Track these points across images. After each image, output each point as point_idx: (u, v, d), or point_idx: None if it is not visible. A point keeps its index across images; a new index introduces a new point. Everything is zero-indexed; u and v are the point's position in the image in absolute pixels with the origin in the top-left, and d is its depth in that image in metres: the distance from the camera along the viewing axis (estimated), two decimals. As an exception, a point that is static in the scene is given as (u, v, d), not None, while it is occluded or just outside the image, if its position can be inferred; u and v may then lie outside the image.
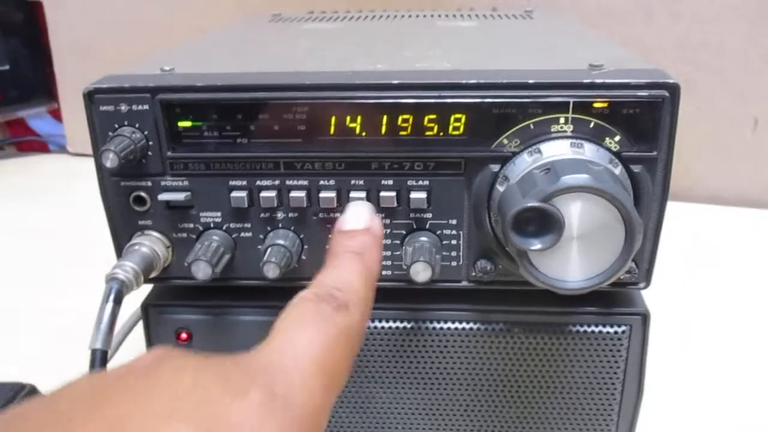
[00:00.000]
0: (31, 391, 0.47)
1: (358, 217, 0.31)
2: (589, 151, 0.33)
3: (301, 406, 0.22)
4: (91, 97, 0.35)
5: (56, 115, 1.14)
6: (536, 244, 0.31)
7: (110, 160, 0.33)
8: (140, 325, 0.42)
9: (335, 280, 0.27)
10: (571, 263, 0.32)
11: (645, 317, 0.38)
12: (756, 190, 0.84)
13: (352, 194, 0.36)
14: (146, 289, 0.41)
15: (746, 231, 0.79)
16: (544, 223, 0.31)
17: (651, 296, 0.39)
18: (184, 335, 0.40)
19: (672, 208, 0.35)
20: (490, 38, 0.50)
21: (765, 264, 0.70)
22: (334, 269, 0.28)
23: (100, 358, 0.32)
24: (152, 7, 0.99)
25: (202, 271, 0.35)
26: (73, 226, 0.82)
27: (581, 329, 0.38)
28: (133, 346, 0.47)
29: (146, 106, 0.35)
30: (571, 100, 0.33)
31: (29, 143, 1.17)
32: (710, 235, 0.76)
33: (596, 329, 0.38)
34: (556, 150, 0.33)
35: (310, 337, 0.24)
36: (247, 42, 0.52)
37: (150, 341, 0.41)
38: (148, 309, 0.40)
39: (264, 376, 0.22)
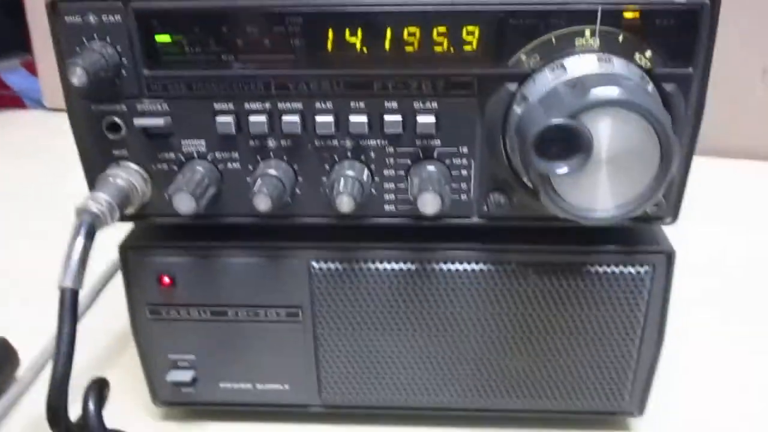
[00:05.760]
0: (3, 343, 0.44)
1: None
2: (618, 66, 0.30)
3: None
4: (54, 7, 0.31)
5: (30, 68, 1.08)
6: (562, 168, 0.28)
7: (78, 76, 0.29)
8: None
9: None
10: (600, 190, 0.29)
11: (670, 256, 0.35)
12: (765, 143, 0.81)
13: (352, 118, 0.32)
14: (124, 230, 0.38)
15: (754, 184, 0.76)
16: (569, 144, 0.27)
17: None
18: (166, 280, 0.37)
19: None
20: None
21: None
22: None
23: (70, 298, 0.28)
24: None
25: (185, 204, 0.31)
26: (52, 183, 0.78)
27: (600, 270, 0.35)
28: (114, 293, 0.43)
29: (119, 17, 0.31)
30: (599, 8, 0.29)
31: (3, 99, 1.11)
32: (717, 189, 0.73)
33: (616, 270, 0.35)
34: (582, 65, 0.30)
35: None
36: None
37: (130, 287, 0.37)
38: (126, 252, 0.37)
39: None
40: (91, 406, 0.28)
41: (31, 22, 1.01)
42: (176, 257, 0.36)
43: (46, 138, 0.97)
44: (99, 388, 0.29)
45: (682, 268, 0.36)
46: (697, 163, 0.33)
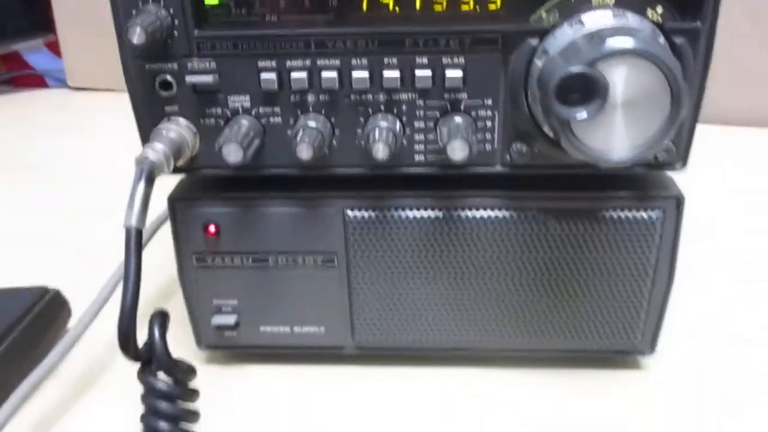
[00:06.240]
0: (56, 295, 0.47)
1: None
2: (632, 20, 0.32)
3: None
4: (112, -28, 0.33)
5: (53, 48, 1.11)
6: (581, 113, 0.30)
7: (137, 35, 0.32)
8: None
9: None
10: (615, 134, 0.31)
11: (679, 201, 0.38)
12: (770, 110, 0.84)
13: (386, 73, 0.35)
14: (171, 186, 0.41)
15: (760, 152, 0.79)
16: (587, 92, 0.30)
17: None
18: (212, 229, 0.40)
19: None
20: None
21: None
22: None
23: (135, 236, 0.32)
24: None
25: (233, 154, 0.34)
26: (78, 158, 0.82)
27: (614, 215, 0.38)
28: (161, 242, 0.46)
29: (171, -19, 0.33)
30: (615, -35, 0.32)
31: (26, 79, 1.15)
32: (724, 157, 0.76)
33: (629, 214, 0.38)
34: (598, 20, 0.32)
35: None
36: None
37: (177, 236, 0.40)
38: (174, 203, 0.40)
39: None
40: (156, 332, 0.31)
41: (54, 2, 1.04)
42: (221, 207, 0.39)
43: (71, 115, 1.01)
44: (162, 318, 0.32)
45: (692, 218, 0.39)
46: (705, 130, 0.36)
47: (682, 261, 0.39)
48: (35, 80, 1.15)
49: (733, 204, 0.65)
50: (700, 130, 0.36)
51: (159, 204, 0.40)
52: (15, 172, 0.79)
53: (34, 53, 1.13)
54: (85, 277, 0.47)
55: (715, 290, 0.51)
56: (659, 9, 0.33)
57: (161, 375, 0.33)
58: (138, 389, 0.34)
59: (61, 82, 1.11)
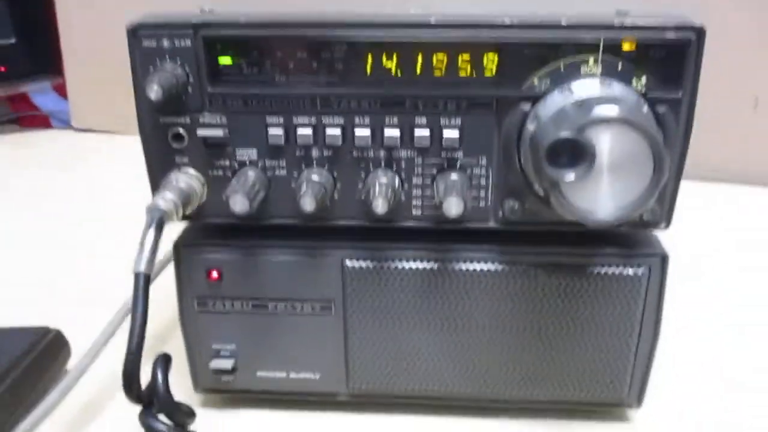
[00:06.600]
0: (57, 336, 0.48)
1: None
2: (617, 89, 0.34)
3: None
4: (134, 33, 0.36)
5: (61, 90, 1.14)
6: (569, 175, 0.32)
7: (155, 92, 0.34)
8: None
9: None
10: (602, 195, 0.33)
11: (664, 258, 0.39)
12: (757, 168, 0.86)
13: (387, 132, 0.37)
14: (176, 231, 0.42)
15: (747, 208, 0.81)
16: (575, 155, 0.32)
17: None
18: (214, 274, 0.41)
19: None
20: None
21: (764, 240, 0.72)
22: None
23: (143, 282, 0.33)
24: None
25: (240, 204, 0.36)
26: (86, 198, 0.83)
27: (602, 271, 0.39)
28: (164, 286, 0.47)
29: (188, 42, 0.36)
30: (602, 36, 0.34)
31: (31, 119, 1.17)
32: (712, 212, 0.78)
33: (617, 271, 0.39)
34: (586, 88, 0.34)
35: None
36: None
37: (180, 281, 0.42)
38: (179, 248, 0.41)
39: None
40: (160, 375, 0.32)
41: (64, 45, 1.07)
42: (224, 254, 0.41)
43: (74, 155, 1.03)
44: (165, 361, 0.33)
45: (677, 275, 0.40)
46: (690, 187, 0.38)
47: (675, 305, 0.40)
48: (40, 121, 1.17)
49: (725, 247, 0.67)
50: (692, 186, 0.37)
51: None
52: (19, 210, 0.80)
53: (41, 95, 1.16)
54: (85, 316, 0.48)
55: (708, 334, 0.52)
56: (643, 79, 0.35)
57: (161, 417, 0.33)
58: (134, 431, 0.34)
59: (66, 123, 1.14)
